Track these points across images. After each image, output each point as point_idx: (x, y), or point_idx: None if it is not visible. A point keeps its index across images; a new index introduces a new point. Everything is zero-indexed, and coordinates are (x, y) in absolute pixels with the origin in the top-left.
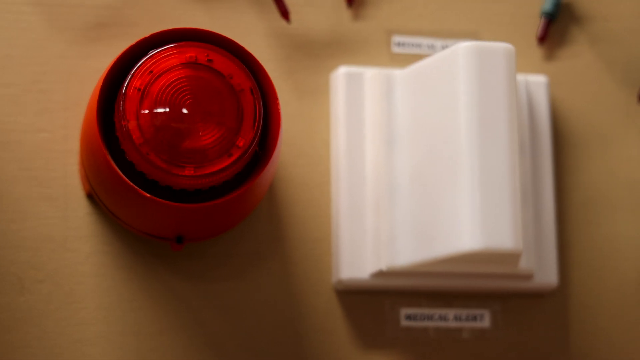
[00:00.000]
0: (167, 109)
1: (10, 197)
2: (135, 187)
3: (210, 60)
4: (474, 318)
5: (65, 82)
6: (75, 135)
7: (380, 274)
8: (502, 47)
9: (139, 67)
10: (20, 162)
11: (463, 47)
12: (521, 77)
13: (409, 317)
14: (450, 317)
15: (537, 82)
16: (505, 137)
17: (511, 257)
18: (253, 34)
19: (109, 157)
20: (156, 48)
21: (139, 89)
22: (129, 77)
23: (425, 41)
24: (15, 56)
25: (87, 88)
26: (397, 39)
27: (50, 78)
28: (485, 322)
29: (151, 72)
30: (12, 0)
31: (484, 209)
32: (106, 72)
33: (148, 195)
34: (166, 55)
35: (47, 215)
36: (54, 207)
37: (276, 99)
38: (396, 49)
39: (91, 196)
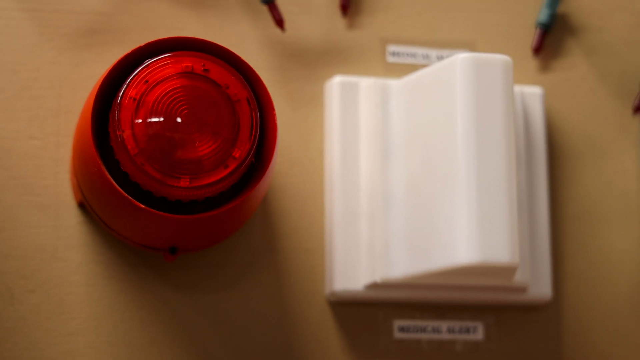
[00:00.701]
0: (163, 119)
1: (0, 206)
2: (130, 198)
3: (206, 70)
4: (467, 330)
5: (56, 89)
6: (67, 142)
7: (374, 285)
8: (499, 59)
9: (134, 76)
10: (10, 170)
11: (461, 59)
12: (516, 88)
13: (402, 329)
14: (443, 330)
15: (532, 94)
16: (503, 149)
17: (507, 271)
18: (247, 42)
19: (104, 168)
20: (151, 57)
21: (134, 99)
22: (124, 86)
23: (420, 51)
24: (6, 62)
25: (79, 95)
26: (392, 48)
27: (42, 85)
28: (479, 334)
29: (147, 81)
30: (3, 6)
31: (481, 221)
32: (100, 80)
33: (143, 206)
34: (162, 65)
35: (37, 224)
36: (45, 215)
37: (272, 109)
38: (391, 59)
39: (83, 205)
